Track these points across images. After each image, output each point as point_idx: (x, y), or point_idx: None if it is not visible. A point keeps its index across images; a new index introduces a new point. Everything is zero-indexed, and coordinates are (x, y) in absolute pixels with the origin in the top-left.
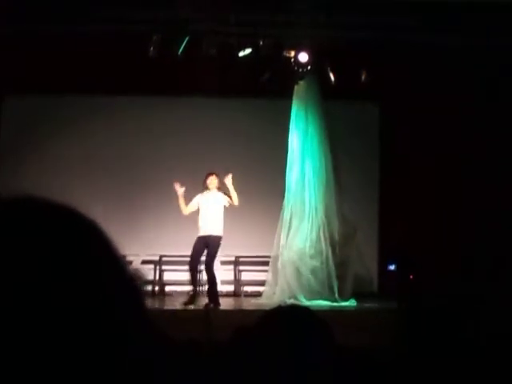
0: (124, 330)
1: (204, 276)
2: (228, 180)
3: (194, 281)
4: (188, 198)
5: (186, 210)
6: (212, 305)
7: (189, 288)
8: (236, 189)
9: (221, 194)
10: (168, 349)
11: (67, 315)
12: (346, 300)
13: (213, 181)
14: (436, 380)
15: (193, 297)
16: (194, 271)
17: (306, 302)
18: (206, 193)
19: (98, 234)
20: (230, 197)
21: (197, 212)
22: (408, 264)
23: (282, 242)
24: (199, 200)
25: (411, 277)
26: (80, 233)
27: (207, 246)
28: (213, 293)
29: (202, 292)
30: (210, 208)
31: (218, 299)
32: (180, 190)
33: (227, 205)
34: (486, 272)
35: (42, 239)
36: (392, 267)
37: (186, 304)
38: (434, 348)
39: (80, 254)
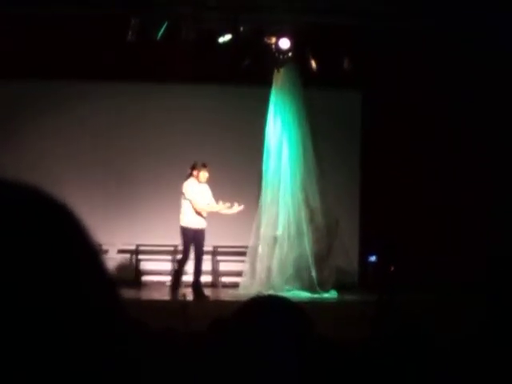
0: (97, 319)
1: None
2: (235, 208)
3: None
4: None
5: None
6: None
7: (166, 278)
8: (215, 177)
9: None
10: (145, 337)
11: (35, 305)
12: (327, 291)
13: (205, 175)
14: (412, 373)
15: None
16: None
17: (284, 293)
18: (198, 184)
19: (68, 216)
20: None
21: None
22: (389, 255)
23: (261, 232)
24: (199, 191)
25: (392, 268)
26: (50, 215)
27: (195, 238)
28: (199, 283)
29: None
30: (203, 201)
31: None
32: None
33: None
34: (468, 263)
35: (6, 221)
36: (373, 258)
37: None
38: (411, 341)
39: (49, 237)
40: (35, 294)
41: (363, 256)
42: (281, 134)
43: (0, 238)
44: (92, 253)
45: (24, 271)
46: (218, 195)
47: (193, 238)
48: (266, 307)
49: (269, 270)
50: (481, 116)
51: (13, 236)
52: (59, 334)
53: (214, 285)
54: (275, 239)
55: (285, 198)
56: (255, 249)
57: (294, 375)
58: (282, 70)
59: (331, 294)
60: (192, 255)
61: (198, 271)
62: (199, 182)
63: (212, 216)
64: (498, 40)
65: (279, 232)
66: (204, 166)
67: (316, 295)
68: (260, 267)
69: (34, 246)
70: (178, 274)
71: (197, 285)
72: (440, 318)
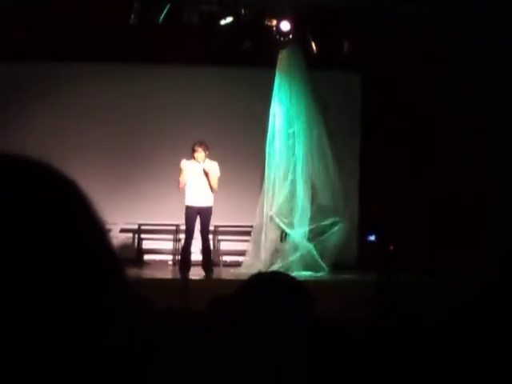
0: (105, 293)
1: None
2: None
3: (188, 251)
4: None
5: (182, 182)
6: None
7: (168, 257)
8: (217, 159)
9: (213, 164)
10: (149, 314)
11: (43, 279)
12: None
13: (200, 154)
14: (408, 355)
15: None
16: (190, 241)
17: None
18: (196, 163)
19: (76, 191)
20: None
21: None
22: (388, 235)
23: (266, 212)
24: (189, 170)
25: (391, 248)
26: (58, 190)
27: (200, 216)
28: (208, 261)
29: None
30: (200, 179)
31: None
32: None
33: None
34: (465, 244)
35: (17, 196)
36: (372, 238)
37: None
38: (409, 323)
39: (56, 210)
40: (40, 270)
41: (362, 235)
42: (286, 115)
43: (11, 211)
44: (98, 228)
45: (30, 244)
46: (222, 176)
47: (196, 217)
48: (268, 284)
49: (272, 249)
50: (481, 104)
51: (23, 208)
52: (66, 309)
53: (215, 264)
54: (279, 219)
55: (290, 179)
56: (260, 228)
57: (296, 352)
58: (284, 53)
59: (322, 272)
60: (198, 235)
61: (204, 249)
62: (198, 162)
63: (213, 195)
64: (499, 30)
65: (283, 213)
66: (199, 145)
67: (309, 273)
68: (264, 247)
69: (42, 220)
70: (183, 253)
71: (207, 263)
72: (437, 300)
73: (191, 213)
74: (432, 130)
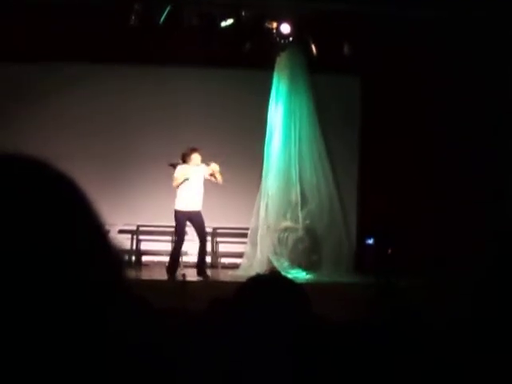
0: (103, 293)
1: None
2: (214, 168)
3: (179, 253)
4: (171, 168)
5: (177, 183)
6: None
7: (166, 259)
8: (216, 161)
9: (203, 167)
10: (147, 314)
11: (39, 277)
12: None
13: (196, 158)
14: (407, 355)
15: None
16: (181, 244)
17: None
18: (190, 167)
19: (75, 189)
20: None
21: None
22: (386, 238)
23: (262, 214)
24: (185, 174)
25: (389, 251)
26: (57, 188)
27: (191, 220)
28: (204, 263)
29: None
30: (196, 184)
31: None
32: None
33: (207, 177)
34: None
35: (15, 193)
36: (370, 241)
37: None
38: (408, 325)
39: (56, 208)
40: (36, 267)
41: (361, 238)
42: (284, 117)
43: (8, 208)
44: (96, 225)
45: (28, 240)
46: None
47: (186, 221)
48: (266, 286)
49: (268, 251)
50: (479, 104)
51: (22, 205)
52: (62, 308)
53: (213, 266)
54: (275, 222)
55: (287, 181)
56: (256, 231)
57: (291, 354)
58: (285, 55)
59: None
60: (196, 238)
61: (200, 253)
62: (195, 165)
63: (212, 197)
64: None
65: (280, 215)
66: (196, 149)
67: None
68: (260, 249)
69: (40, 217)
70: (173, 256)
71: (202, 265)
72: (437, 302)
73: (182, 217)
74: (431, 131)
